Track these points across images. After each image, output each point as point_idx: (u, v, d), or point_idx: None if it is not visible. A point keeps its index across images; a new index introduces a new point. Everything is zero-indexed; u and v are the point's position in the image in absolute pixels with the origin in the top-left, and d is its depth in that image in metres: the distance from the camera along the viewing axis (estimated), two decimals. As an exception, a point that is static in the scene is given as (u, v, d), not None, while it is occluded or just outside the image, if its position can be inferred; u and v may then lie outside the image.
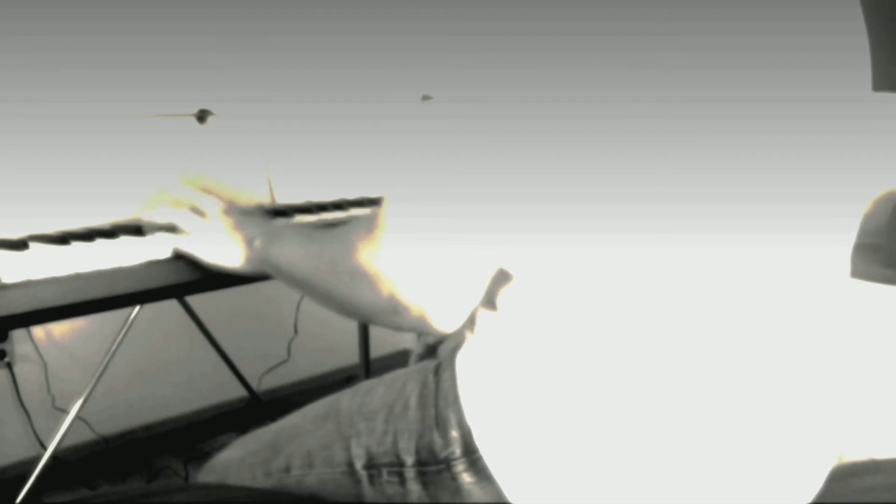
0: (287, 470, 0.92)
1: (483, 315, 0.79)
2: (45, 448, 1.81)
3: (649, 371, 0.72)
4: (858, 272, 0.85)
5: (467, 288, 0.74)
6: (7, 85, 1.12)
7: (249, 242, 0.96)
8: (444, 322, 0.74)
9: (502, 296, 0.77)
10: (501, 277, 0.76)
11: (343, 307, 0.82)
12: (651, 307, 0.72)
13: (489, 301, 0.78)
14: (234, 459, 1.00)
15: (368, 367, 2.15)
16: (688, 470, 0.73)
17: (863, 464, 0.97)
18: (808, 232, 0.75)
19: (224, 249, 0.99)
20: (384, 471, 0.84)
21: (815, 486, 0.81)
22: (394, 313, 0.74)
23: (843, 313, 0.81)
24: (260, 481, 0.94)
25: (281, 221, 0.99)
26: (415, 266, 0.72)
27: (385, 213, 0.74)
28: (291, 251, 0.89)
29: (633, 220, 0.70)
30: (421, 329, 0.75)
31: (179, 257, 1.03)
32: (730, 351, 0.73)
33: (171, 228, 1.06)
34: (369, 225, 0.75)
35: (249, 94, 1.40)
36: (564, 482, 0.74)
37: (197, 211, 1.05)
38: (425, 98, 0.72)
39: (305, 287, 0.88)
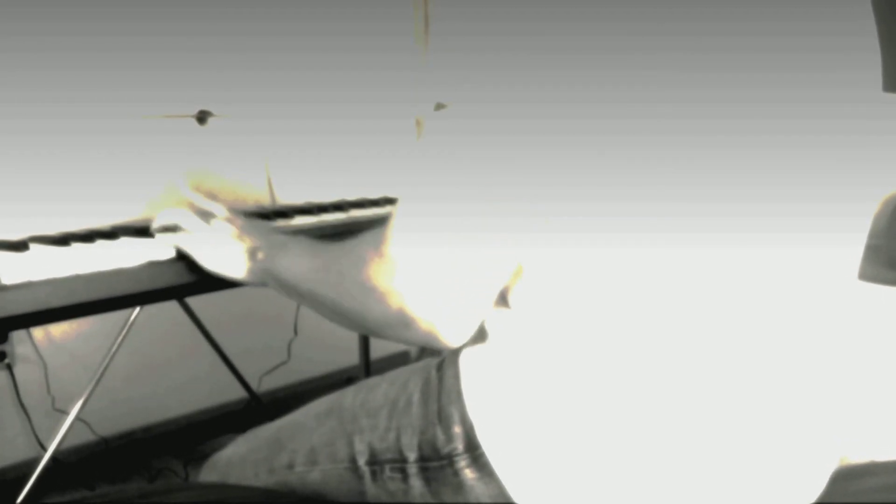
0: (290, 466, 0.92)
1: (495, 314, 0.79)
2: (45, 449, 1.80)
3: (653, 370, 0.72)
4: (861, 273, 0.85)
5: (476, 302, 0.73)
6: (7, 85, 1.12)
7: (253, 254, 0.95)
8: (452, 336, 0.74)
9: (515, 294, 0.76)
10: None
11: (351, 320, 0.81)
12: (655, 306, 0.72)
13: (501, 299, 0.77)
14: (237, 456, 1.00)
15: (368, 368, 2.15)
16: (691, 470, 0.72)
17: (864, 466, 0.97)
18: (818, 232, 0.75)
19: (226, 257, 0.97)
20: (387, 467, 0.84)
21: (818, 487, 0.81)
22: (403, 327, 0.74)
23: (848, 314, 0.81)
24: (263, 478, 0.94)
25: (283, 237, 0.97)
26: (425, 280, 0.72)
27: (393, 225, 0.73)
28: (296, 264, 0.88)
29: (644, 219, 0.69)
30: (430, 343, 0.74)
31: (182, 257, 1.02)
32: (736, 351, 0.73)
33: (175, 229, 1.05)
34: (378, 239, 0.74)
35: (249, 94, 1.40)
36: (567, 479, 0.74)
37: (202, 213, 1.04)
38: (438, 106, 0.71)
39: (311, 300, 0.86)
